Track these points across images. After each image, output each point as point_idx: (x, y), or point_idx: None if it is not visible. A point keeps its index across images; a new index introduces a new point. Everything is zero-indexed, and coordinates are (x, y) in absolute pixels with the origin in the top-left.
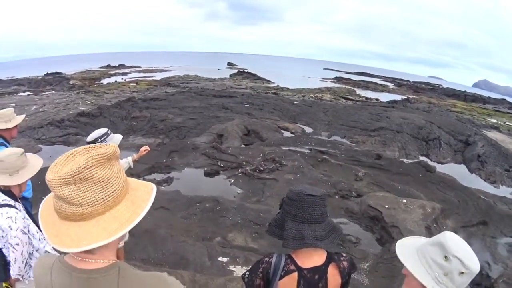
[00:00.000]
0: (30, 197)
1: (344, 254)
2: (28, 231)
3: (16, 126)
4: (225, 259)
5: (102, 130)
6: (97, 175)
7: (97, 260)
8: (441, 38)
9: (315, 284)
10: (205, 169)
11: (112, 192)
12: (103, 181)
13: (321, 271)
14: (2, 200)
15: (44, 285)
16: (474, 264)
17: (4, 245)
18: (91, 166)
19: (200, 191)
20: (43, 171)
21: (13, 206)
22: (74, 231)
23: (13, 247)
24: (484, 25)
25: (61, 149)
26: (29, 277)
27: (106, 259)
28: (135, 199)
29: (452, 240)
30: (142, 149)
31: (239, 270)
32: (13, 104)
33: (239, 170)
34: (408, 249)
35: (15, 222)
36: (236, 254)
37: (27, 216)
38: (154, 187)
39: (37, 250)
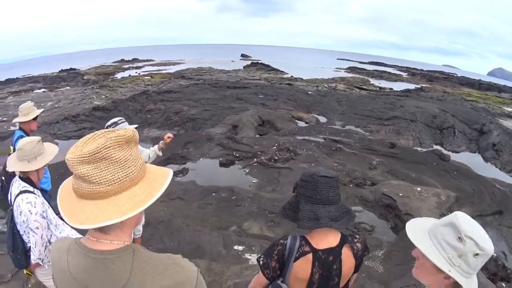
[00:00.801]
0: (49, 189)
1: (357, 236)
2: (47, 216)
3: (35, 119)
4: (240, 248)
5: (115, 119)
6: (114, 155)
7: (112, 241)
8: (454, 26)
9: (330, 266)
10: (220, 159)
11: (129, 173)
12: (120, 162)
13: (335, 252)
14: (22, 187)
15: (60, 267)
16: (488, 245)
17: (24, 231)
18: (109, 146)
19: (216, 181)
20: (59, 165)
21: (32, 192)
22: (89, 208)
23: (33, 231)
24: (498, 12)
25: None
26: (49, 262)
27: (121, 241)
28: (152, 182)
29: (465, 221)
30: (166, 136)
31: (254, 259)
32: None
33: (254, 160)
34: (420, 231)
35: (34, 207)
36: (252, 243)
37: (45, 202)
38: (170, 172)
39: (53, 235)
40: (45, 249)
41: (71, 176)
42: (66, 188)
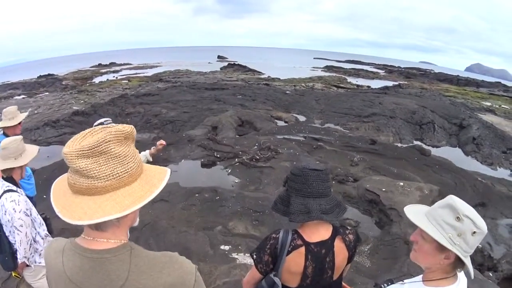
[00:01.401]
0: (33, 196)
1: (349, 228)
2: (31, 213)
3: (20, 124)
4: (227, 247)
5: (101, 119)
6: (114, 150)
7: (108, 240)
8: (431, 23)
9: (323, 258)
10: (202, 160)
11: (128, 169)
12: (119, 157)
13: (327, 245)
14: (6, 187)
15: (55, 268)
16: (483, 224)
17: (10, 232)
18: (109, 141)
19: (199, 182)
20: (42, 172)
21: (15, 191)
22: (87, 204)
23: (18, 229)
24: (475, 8)
25: (58, 149)
26: (35, 261)
27: (118, 239)
28: (150, 179)
29: (461, 202)
30: (158, 143)
31: (241, 258)
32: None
33: (236, 159)
34: (418, 213)
35: (18, 204)
36: (238, 242)
37: (28, 200)
38: (168, 170)
39: (38, 234)
40: (30, 247)
41: (66, 173)
42: (60, 184)
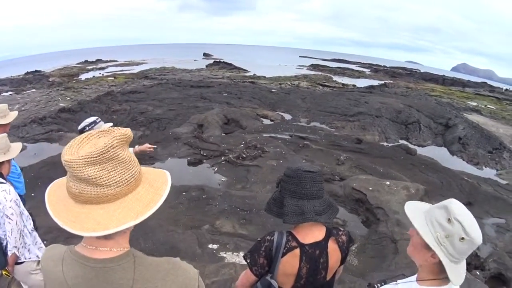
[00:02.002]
0: (23, 194)
1: (342, 229)
2: (19, 205)
3: (9, 123)
4: (215, 246)
5: (91, 119)
6: (121, 155)
7: (111, 249)
8: (418, 23)
9: (317, 259)
10: (188, 158)
11: (134, 174)
12: (125, 162)
13: (321, 246)
14: None
15: (55, 277)
16: (475, 233)
17: (0, 224)
18: (116, 146)
19: (185, 180)
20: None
21: (5, 183)
22: (98, 214)
23: (9, 218)
24: (461, 8)
25: (45, 147)
26: (24, 257)
27: (121, 247)
28: (152, 182)
29: (458, 206)
30: (147, 145)
31: (230, 256)
32: None
33: (222, 158)
34: (417, 210)
35: (9, 194)
36: (226, 241)
37: (16, 194)
38: (167, 172)
39: (25, 227)
40: (20, 237)
41: (56, 183)
42: (54, 195)
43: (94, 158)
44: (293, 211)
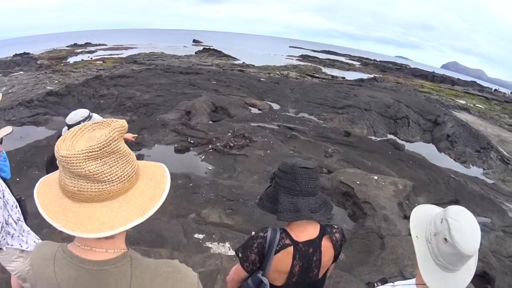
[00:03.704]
0: (8, 178)
1: (336, 226)
2: (3, 195)
3: None
4: (201, 236)
5: (85, 113)
6: (121, 149)
7: (108, 250)
8: (410, 19)
9: (310, 257)
10: (175, 145)
11: (134, 168)
12: (126, 155)
13: (315, 244)
14: None
15: (46, 278)
16: (460, 239)
17: None
18: (116, 139)
19: (171, 167)
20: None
21: None
22: (101, 212)
23: None
24: (454, 7)
25: (31, 130)
26: (7, 243)
27: (117, 248)
28: (151, 176)
29: (456, 209)
30: (130, 135)
31: (215, 247)
32: None
33: (209, 146)
34: (427, 211)
35: None
36: (212, 231)
37: (2, 182)
38: (163, 165)
39: (10, 216)
40: (2, 229)
41: (44, 181)
42: (46, 195)
43: (96, 152)
44: (287, 208)
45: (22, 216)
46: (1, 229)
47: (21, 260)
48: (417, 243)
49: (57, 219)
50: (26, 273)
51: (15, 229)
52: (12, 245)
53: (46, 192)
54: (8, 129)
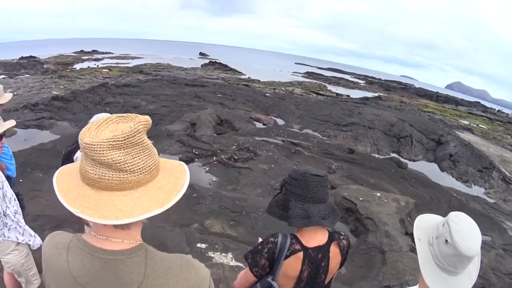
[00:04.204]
0: (13, 177)
1: (343, 233)
2: (2, 187)
3: (2, 104)
4: (203, 246)
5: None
6: (145, 141)
7: (124, 240)
8: (414, 38)
9: (319, 263)
10: (180, 156)
11: (156, 161)
12: (148, 148)
13: (324, 250)
14: None
15: (58, 266)
16: (461, 240)
17: None
18: (141, 131)
19: None
20: (19, 155)
21: None
22: (120, 201)
23: None
24: (459, 27)
25: (36, 133)
26: (3, 235)
27: (133, 239)
28: (171, 172)
29: (458, 214)
30: None
31: (218, 257)
32: None
33: (214, 158)
34: (433, 218)
35: None
36: (214, 241)
37: (1, 174)
38: (183, 163)
39: (8, 208)
40: (0, 220)
41: (64, 170)
42: (65, 182)
43: (120, 142)
44: (299, 214)
45: (19, 210)
46: (0, 220)
47: (16, 253)
48: (419, 245)
49: (75, 205)
50: (20, 267)
51: (12, 221)
52: (9, 237)
53: (65, 180)
54: (12, 122)
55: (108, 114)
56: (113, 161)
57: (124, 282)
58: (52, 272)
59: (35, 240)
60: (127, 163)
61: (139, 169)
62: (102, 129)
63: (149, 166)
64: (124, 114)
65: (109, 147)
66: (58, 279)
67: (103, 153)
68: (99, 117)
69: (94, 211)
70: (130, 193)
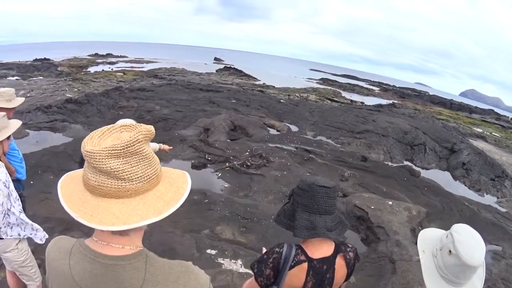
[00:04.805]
0: (23, 180)
1: (350, 245)
2: (8, 186)
3: (14, 108)
4: (213, 252)
5: (132, 123)
6: (145, 151)
7: (124, 246)
8: (428, 45)
9: (323, 274)
10: (193, 161)
11: (156, 170)
12: (148, 158)
13: (329, 261)
14: None
15: (60, 270)
16: (464, 250)
17: None
18: (141, 141)
19: None
20: (31, 157)
21: None
22: (117, 208)
23: None
24: (473, 34)
25: (48, 135)
26: (6, 234)
27: (134, 245)
28: (173, 181)
29: (461, 225)
30: (167, 147)
31: (227, 263)
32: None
33: (227, 164)
34: (437, 232)
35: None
36: (224, 247)
37: (7, 173)
38: (186, 173)
39: (12, 207)
40: (4, 217)
41: (70, 175)
42: (69, 188)
43: (119, 151)
44: (304, 226)
45: (23, 210)
46: (3, 217)
47: (15, 251)
48: (423, 257)
49: (75, 209)
50: (20, 264)
51: (16, 219)
52: (11, 236)
53: (69, 185)
54: (17, 122)
55: (132, 121)
56: (112, 169)
57: (124, 287)
58: (54, 275)
59: (36, 234)
60: (125, 172)
61: (138, 177)
62: (105, 137)
63: (148, 175)
64: (128, 124)
65: (108, 156)
66: (60, 281)
67: (102, 161)
68: (122, 122)
69: (92, 217)
70: (128, 201)
